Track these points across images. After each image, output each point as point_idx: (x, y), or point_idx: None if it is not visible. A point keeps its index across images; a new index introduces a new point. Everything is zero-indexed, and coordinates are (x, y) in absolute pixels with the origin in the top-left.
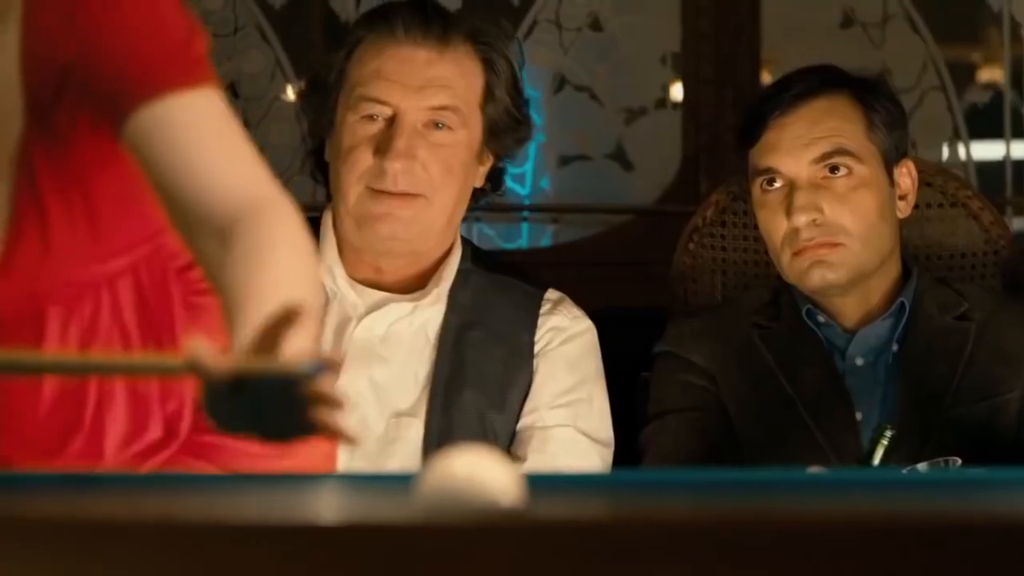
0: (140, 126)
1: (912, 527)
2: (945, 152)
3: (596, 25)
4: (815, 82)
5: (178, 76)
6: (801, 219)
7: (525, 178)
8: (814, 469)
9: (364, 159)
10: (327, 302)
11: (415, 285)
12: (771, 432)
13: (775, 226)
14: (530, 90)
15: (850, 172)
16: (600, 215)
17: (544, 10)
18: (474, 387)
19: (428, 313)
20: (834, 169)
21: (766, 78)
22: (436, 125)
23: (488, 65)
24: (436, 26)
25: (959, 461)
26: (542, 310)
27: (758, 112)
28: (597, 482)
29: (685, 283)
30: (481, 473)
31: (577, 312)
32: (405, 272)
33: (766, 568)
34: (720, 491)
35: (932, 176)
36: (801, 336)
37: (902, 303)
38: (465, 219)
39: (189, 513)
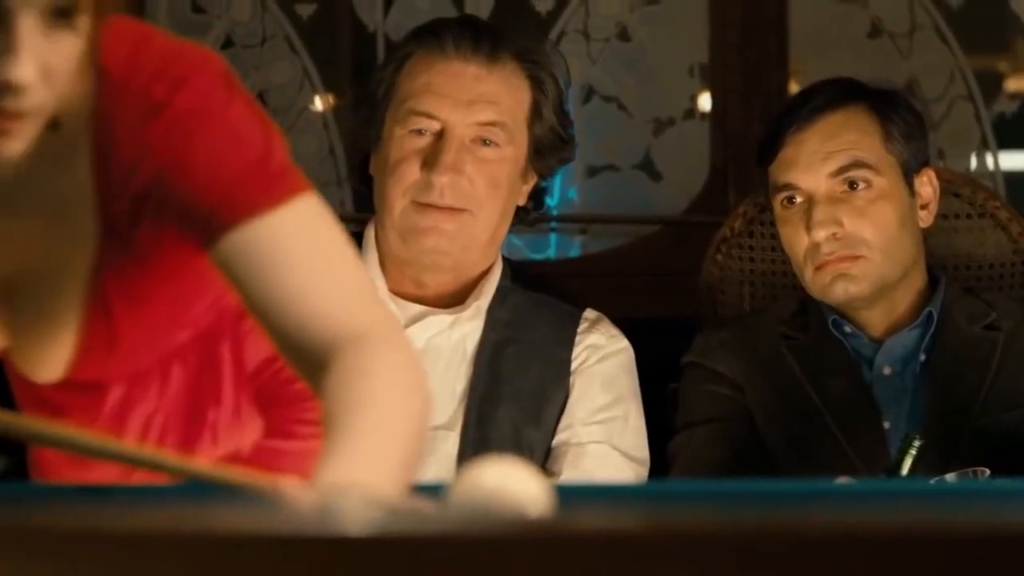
0: (229, 251)
1: (940, 538)
2: (973, 162)
3: (624, 35)
4: (832, 95)
5: (262, 197)
6: (821, 234)
7: (553, 189)
8: (842, 479)
9: (411, 172)
10: None
11: (455, 300)
12: (799, 442)
13: (797, 241)
14: None
15: (869, 184)
16: (628, 225)
17: (572, 20)
18: (510, 402)
19: (467, 328)
20: (853, 184)
21: (794, 88)
22: (484, 141)
23: (536, 83)
24: (485, 43)
25: (987, 472)
26: (580, 328)
27: (775, 129)
28: (625, 493)
29: (713, 294)
30: (510, 484)
31: (614, 331)
32: (446, 288)
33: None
34: (748, 502)
35: (960, 187)
36: (828, 346)
37: (930, 313)
38: None
39: (217, 524)
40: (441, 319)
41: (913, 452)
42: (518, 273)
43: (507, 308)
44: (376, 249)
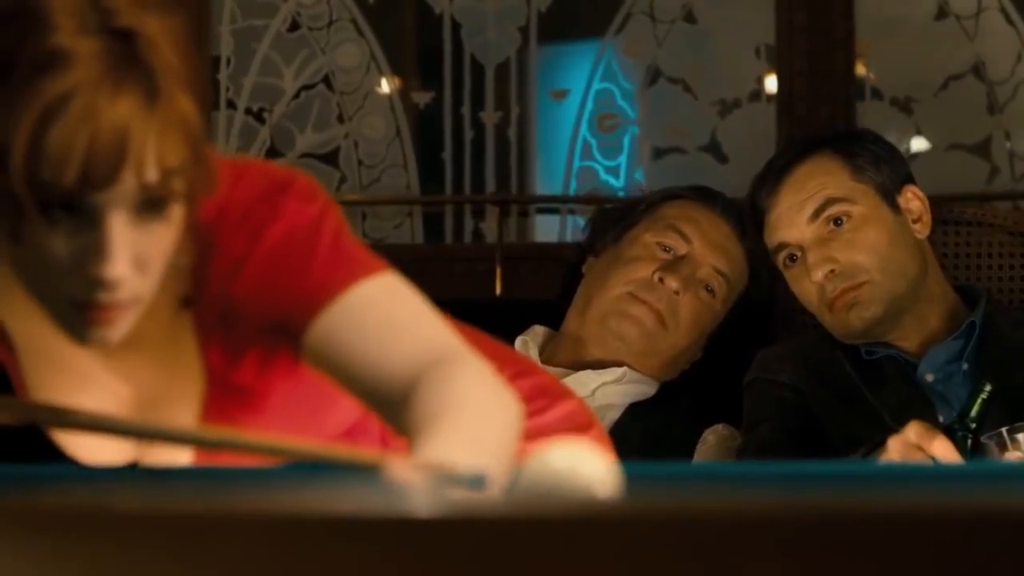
0: (316, 344)
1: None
2: None
3: (690, 17)
4: (795, 151)
5: (332, 282)
6: (818, 274)
7: (619, 171)
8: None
9: (644, 270)
10: None
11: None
12: (859, 441)
13: (808, 292)
14: (624, 82)
15: (849, 216)
16: None
17: (638, 2)
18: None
19: (608, 399)
20: (837, 220)
21: (860, 70)
22: (706, 287)
23: (754, 276)
24: (741, 224)
25: None
26: (707, 432)
27: (753, 198)
28: (695, 475)
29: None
30: (579, 465)
31: (736, 431)
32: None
33: (866, 558)
34: (817, 483)
35: None
36: (878, 356)
37: (972, 323)
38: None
39: (283, 506)
40: (587, 377)
41: (984, 396)
42: (666, 392)
43: (639, 424)
44: (540, 335)
